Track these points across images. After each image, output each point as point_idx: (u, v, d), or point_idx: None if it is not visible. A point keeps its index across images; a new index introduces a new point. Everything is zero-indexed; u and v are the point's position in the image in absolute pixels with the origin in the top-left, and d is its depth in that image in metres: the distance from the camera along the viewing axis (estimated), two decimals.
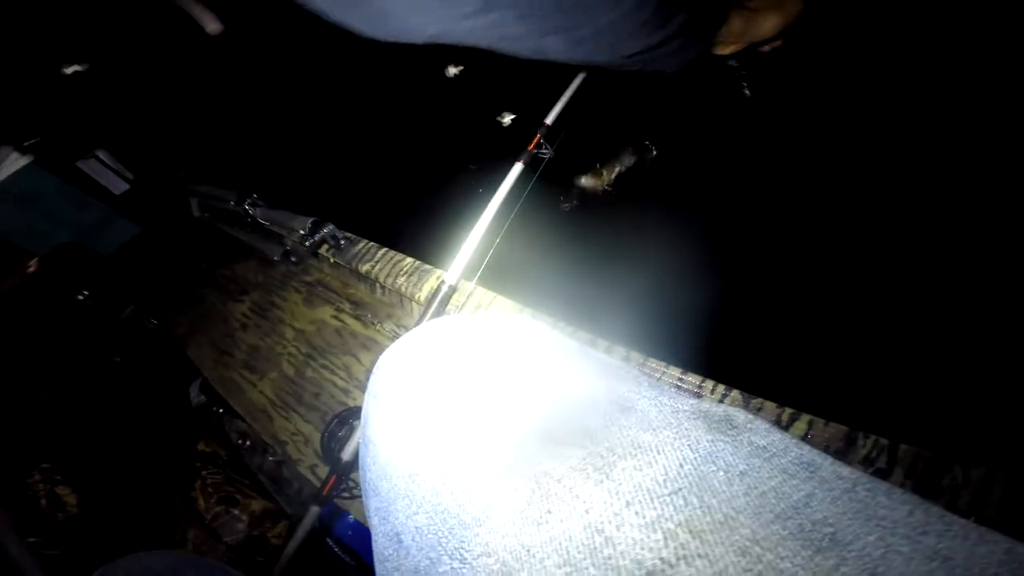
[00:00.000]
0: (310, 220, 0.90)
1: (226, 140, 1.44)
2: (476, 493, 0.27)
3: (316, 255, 0.91)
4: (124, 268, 1.39)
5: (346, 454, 0.70)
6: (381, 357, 0.38)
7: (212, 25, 1.23)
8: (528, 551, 0.23)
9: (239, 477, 1.17)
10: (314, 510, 0.71)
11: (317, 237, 0.88)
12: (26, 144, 1.28)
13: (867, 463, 0.51)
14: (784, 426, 0.55)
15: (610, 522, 0.22)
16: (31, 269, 1.30)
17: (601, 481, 0.24)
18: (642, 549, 0.21)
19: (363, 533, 1.00)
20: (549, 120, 0.86)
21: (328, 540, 1.00)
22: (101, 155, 1.42)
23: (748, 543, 0.20)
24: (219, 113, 1.42)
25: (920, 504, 0.22)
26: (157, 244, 1.45)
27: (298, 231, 0.91)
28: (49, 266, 1.31)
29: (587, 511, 0.23)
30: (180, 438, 1.20)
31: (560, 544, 0.22)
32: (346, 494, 0.76)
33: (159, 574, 0.50)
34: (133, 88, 1.32)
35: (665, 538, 0.21)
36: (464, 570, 0.25)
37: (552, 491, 0.24)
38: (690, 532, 0.21)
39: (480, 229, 0.73)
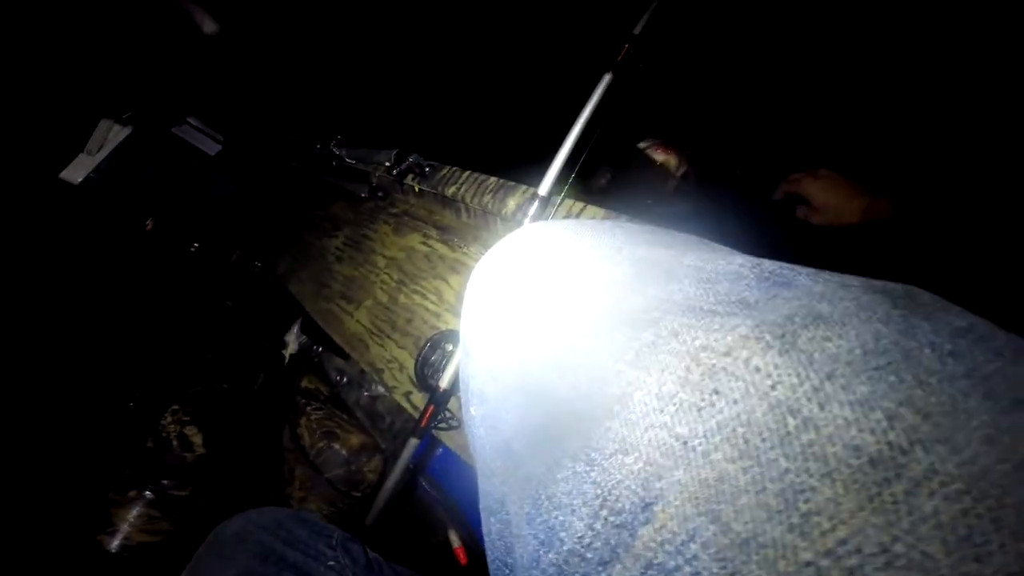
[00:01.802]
0: (394, 152, 0.92)
1: (303, 86, 1.47)
2: (605, 380, 0.22)
3: (402, 184, 0.92)
4: (227, 219, 1.50)
5: (443, 382, 0.69)
6: (480, 260, 0.35)
7: (209, 26, 1.26)
8: (684, 444, 0.19)
9: (339, 412, 1.23)
10: (412, 442, 0.72)
11: (403, 166, 0.89)
12: (123, 116, 1.39)
13: None
14: None
15: (809, 399, 0.18)
16: (149, 227, 1.43)
17: (787, 351, 0.19)
18: (860, 431, 0.16)
19: (452, 466, 1.03)
20: (637, 30, 0.81)
21: (420, 478, 1.04)
22: (192, 121, 1.51)
23: (992, 431, 0.16)
24: (293, 59, 1.46)
25: None
26: (254, 194, 1.54)
27: (383, 164, 0.93)
28: (163, 223, 1.43)
29: (773, 387, 0.18)
30: (285, 376, 1.29)
31: (734, 431, 0.18)
32: (443, 425, 0.76)
33: (264, 529, 0.53)
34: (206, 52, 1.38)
35: (888, 419, 0.16)
36: (592, 473, 0.20)
37: (718, 366, 0.20)
38: (917, 413, 0.16)
39: (571, 140, 0.70)
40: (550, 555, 0.21)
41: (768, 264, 0.26)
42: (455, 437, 0.76)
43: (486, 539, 0.28)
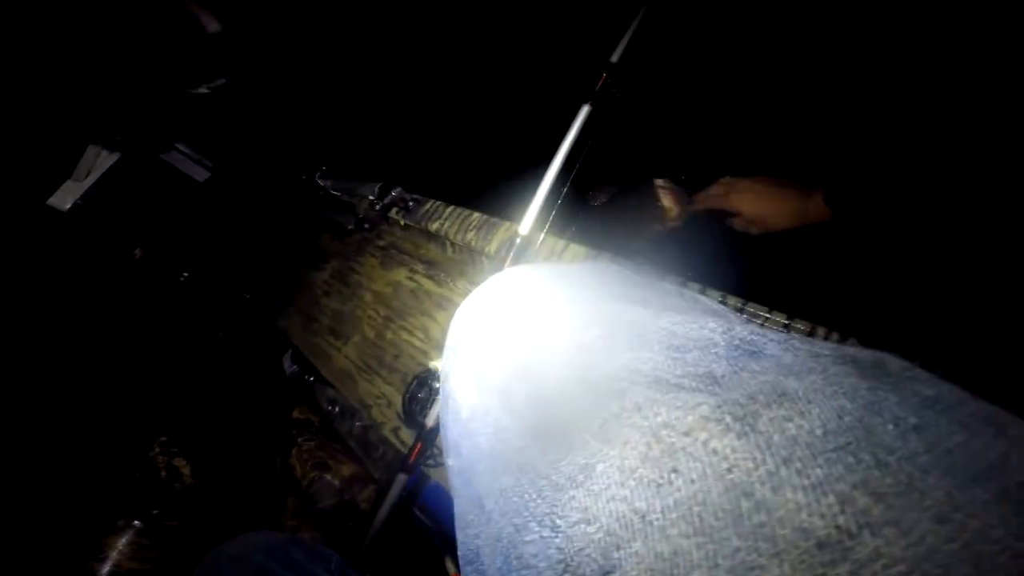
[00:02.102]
0: (378, 185, 0.92)
1: (288, 116, 1.47)
2: (573, 449, 0.23)
3: (387, 218, 0.91)
4: (216, 248, 1.49)
5: (430, 419, 0.69)
6: (458, 311, 0.36)
7: (213, 25, 1.26)
8: (643, 518, 0.19)
9: (331, 442, 1.23)
10: (401, 478, 0.71)
11: (387, 200, 0.89)
12: (111, 142, 1.38)
13: None
14: None
15: (763, 483, 0.18)
16: (137, 256, 1.42)
17: (745, 434, 0.20)
18: (810, 515, 0.17)
19: (444, 497, 1.02)
20: (615, 58, 0.80)
21: (414, 508, 1.03)
22: (181, 147, 1.50)
23: (946, 508, 0.16)
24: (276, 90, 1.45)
25: None
26: (243, 223, 1.53)
27: (367, 197, 0.93)
28: (152, 252, 1.42)
29: (729, 470, 0.19)
30: (277, 407, 1.28)
31: (690, 509, 0.19)
32: (431, 461, 0.76)
33: (262, 551, 0.53)
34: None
35: (840, 502, 0.17)
36: (556, 539, 0.21)
37: (678, 446, 0.20)
38: (870, 495, 0.17)
39: (550, 176, 0.70)
40: None
41: (740, 330, 0.26)
42: (443, 473, 0.75)
43: None
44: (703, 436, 0.20)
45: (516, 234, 0.68)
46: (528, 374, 0.28)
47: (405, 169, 0.97)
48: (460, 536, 0.29)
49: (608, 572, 0.19)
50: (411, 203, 0.88)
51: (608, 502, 0.20)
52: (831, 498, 0.17)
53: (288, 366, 1.33)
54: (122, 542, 1.10)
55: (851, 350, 0.24)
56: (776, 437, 0.19)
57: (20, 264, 1.33)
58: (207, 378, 1.32)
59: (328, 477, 1.16)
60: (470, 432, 0.29)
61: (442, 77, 1.28)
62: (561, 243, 0.70)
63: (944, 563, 0.15)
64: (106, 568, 1.07)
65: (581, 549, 0.20)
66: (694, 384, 0.23)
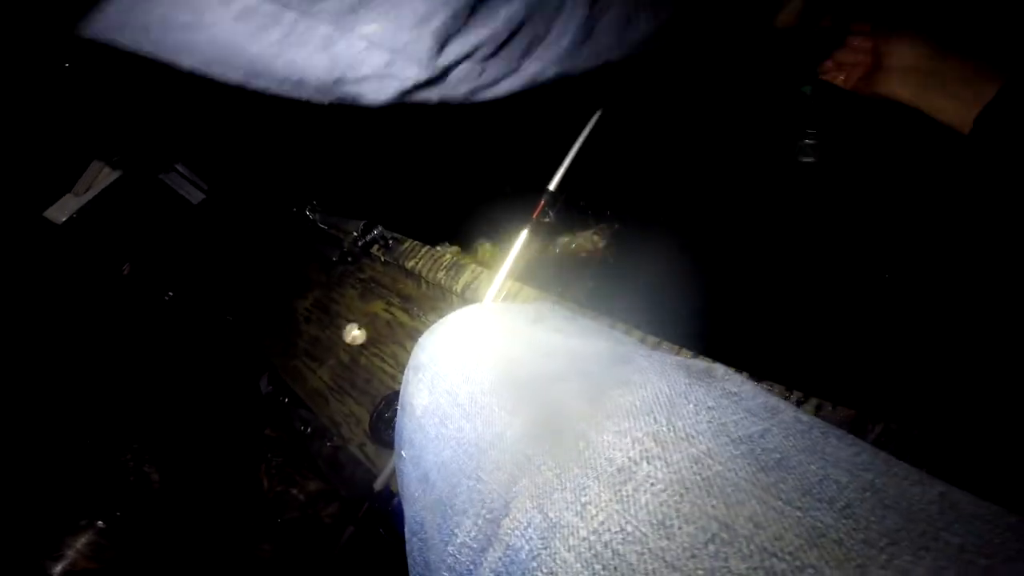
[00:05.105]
0: (362, 223, 1.01)
1: (283, 154, 1.55)
2: (492, 422, 0.32)
3: (368, 254, 1.01)
4: (202, 270, 1.55)
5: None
6: (422, 337, 0.44)
7: None
8: (529, 459, 0.27)
9: (299, 460, 1.28)
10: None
11: (368, 238, 0.98)
12: (114, 159, 1.44)
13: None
14: None
15: (593, 430, 0.27)
16: (125, 272, 1.48)
17: (591, 402, 0.29)
18: (614, 450, 0.25)
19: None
20: (552, 186, 0.80)
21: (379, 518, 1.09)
22: (180, 168, 1.57)
23: (702, 455, 0.24)
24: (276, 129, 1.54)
25: (870, 449, 0.25)
26: (230, 247, 1.60)
27: (352, 233, 1.02)
28: (139, 269, 1.48)
29: (576, 422, 0.28)
30: (250, 424, 1.33)
31: (554, 451, 0.27)
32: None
33: None
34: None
35: (633, 443, 0.25)
36: (479, 486, 0.29)
37: (553, 411, 0.30)
38: (654, 441, 0.25)
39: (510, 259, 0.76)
40: (449, 548, 0.30)
41: (620, 348, 0.37)
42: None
43: (408, 559, 0.36)
44: (569, 404, 0.30)
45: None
46: (470, 378, 0.37)
47: (387, 210, 1.07)
48: (408, 512, 0.37)
49: (508, 502, 0.26)
50: (391, 241, 0.98)
51: (511, 453, 0.29)
52: (628, 440, 0.25)
53: (264, 386, 1.39)
54: (81, 541, 1.11)
55: (692, 360, 0.34)
56: (609, 405, 0.29)
57: (8, 271, 1.37)
58: (184, 393, 1.36)
59: (294, 491, 1.21)
60: (422, 425, 0.38)
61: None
62: (517, 285, 0.80)
63: (686, 482, 0.23)
64: (60, 567, 1.08)
65: (493, 489, 0.28)
66: (574, 377, 0.34)
